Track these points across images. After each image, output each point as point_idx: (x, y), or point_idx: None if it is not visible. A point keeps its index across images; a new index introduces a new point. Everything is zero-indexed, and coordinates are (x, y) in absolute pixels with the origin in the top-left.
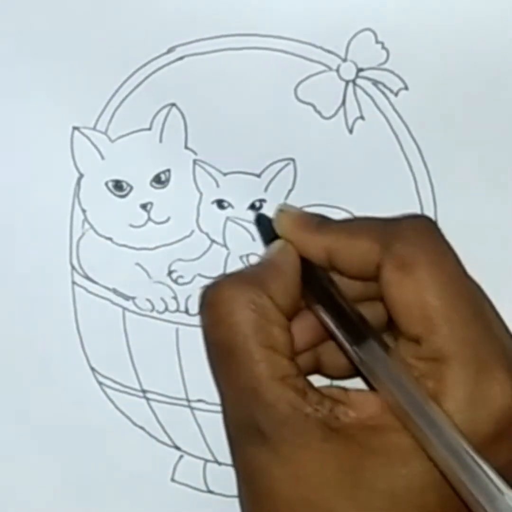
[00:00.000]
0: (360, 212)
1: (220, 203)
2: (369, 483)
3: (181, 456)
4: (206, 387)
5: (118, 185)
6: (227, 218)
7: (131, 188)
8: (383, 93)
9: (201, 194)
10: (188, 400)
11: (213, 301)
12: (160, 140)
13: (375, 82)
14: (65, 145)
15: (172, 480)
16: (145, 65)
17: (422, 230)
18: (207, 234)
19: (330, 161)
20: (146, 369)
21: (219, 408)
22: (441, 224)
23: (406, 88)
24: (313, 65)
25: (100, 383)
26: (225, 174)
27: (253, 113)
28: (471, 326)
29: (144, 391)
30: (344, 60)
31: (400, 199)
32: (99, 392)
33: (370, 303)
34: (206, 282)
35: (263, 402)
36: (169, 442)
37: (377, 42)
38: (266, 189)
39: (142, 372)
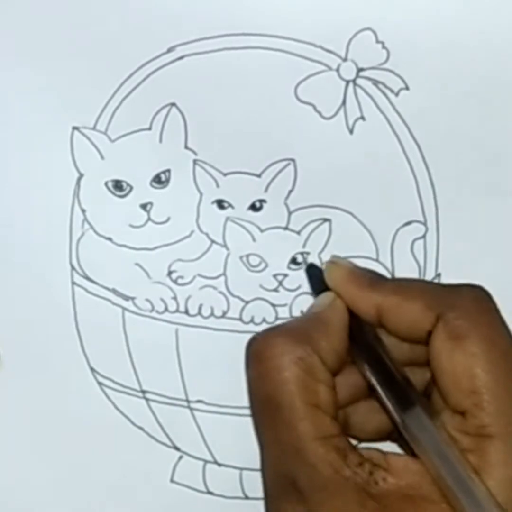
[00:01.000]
0: (360, 212)
1: (220, 203)
2: None
3: (180, 457)
4: (205, 388)
5: (118, 185)
6: (227, 218)
7: (131, 188)
8: (384, 93)
9: (201, 194)
10: (187, 401)
11: (261, 355)
12: (160, 140)
13: (376, 82)
14: (65, 145)
15: (172, 481)
16: (145, 64)
17: (478, 302)
18: (207, 234)
19: (330, 161)
20: (145, 370)
21: (218, 409)
22: (442, 225)
23: (406, 88)
24: (313, 65)
25: (99, 383)
26: (225, 174)
27: (253, 113)
28: None
29: (143, 392)
30: (345, 59)
31: (401, 200)
32: (99, 392)
33: (412, 368)
34: (206, 282)
35: (305, 462)
36: (168, 443)
37: (377, 41)
38: (266, 189)
39: (142, 373)
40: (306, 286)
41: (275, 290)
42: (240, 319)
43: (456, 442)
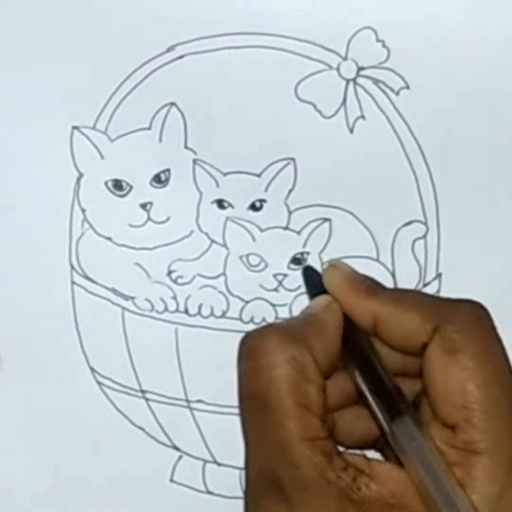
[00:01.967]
0: (361, 212)
1: (220, 203)
2: None
3: (180, 457)
4: (205, 388)
5: (117, 185)
6: (227, 218)
7: (131, 187)
8: (384, 92)
9: (201, 194)
10: (187, 401)
11: (254, 351)
12: (160, 140)
13: (376, 81)
14: (64, 144)
15: (171, 480)
16: (144, 64)
17: (475, 318)
18: (206, 234)
19: (330, 161)
20: (145, 369)
21: (218, 409)
22: (443, 225)
23: (407, 87)
24: (314, 64)
25: (99, 383)
26: (225, 174)
27: (253, 112)
28: (509, 424)
29: (143, 391)
30: (345, 58)
31: (401, 199)
32: (98, 392)
33: (403, 379)
34: (206, 282)
35: (290, 462)
36: (168, 443)
37: (377, 40)
38: (266, 189)
39: (142, 372)
40: None
41: (275, 290)
42: (240, 318)
43: (443, 455)
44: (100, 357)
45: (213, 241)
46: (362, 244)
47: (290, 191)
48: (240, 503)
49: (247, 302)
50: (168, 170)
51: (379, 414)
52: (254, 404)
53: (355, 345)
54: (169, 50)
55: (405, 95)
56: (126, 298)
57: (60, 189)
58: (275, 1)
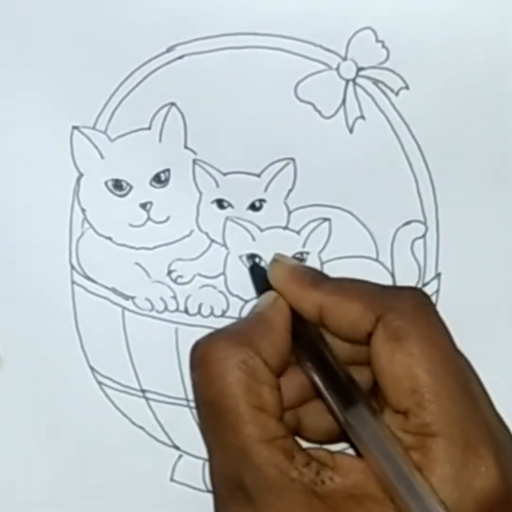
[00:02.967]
0: (360, 212)
1: (220, 203)
2: None
3: (180, 456)
4: None
5: (117, 185)
6: (227, 218)
7: (131, 187)
8: (384, 92)
9: (200, 193)
10: (187, 400)
11: (204, 359)
12: (160, 140)
13: (376, 81)
14: (64, 144)
15: (171, 480)
16: (144, 64)
17: (416, 304)
18: (206, 234)
19: (330, 161)
20: (145, 369)
21: None
22: (442, 225)
23: (406, 87)
24: (313, 64)
25: (99, 383)
26: (225, 174)
27: (253, 113)
28: (459, 403)
29: (143, 391)
30: (344, 59)
31: (401, 199)
32: (99, 392)
33: (357, 367)
34: (206, 281)
35: (250, 464)
36: (168, 442)
37: (377, 41)
38: (266, 189)
39: (142, 372)
40: None
41: None
42: (240, 318)
43: (399, 441)
44: (100, 356)
45: (213, 240)
46: (361, 244)
47: (290, 191)
48: None
49: (247, 301)
50: (168, 170)
51: (333, 405)
52: (210, 412)
53: (305, 338)
54: (169, 50)
55: (405, 96)
56: (126, 297)
57: (60, 189)
58: (275, 1)
